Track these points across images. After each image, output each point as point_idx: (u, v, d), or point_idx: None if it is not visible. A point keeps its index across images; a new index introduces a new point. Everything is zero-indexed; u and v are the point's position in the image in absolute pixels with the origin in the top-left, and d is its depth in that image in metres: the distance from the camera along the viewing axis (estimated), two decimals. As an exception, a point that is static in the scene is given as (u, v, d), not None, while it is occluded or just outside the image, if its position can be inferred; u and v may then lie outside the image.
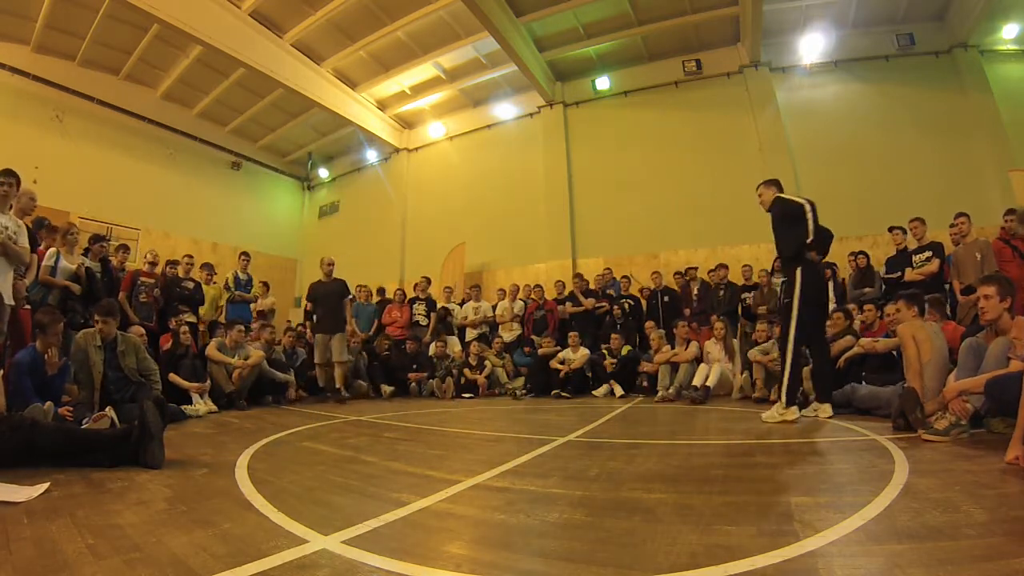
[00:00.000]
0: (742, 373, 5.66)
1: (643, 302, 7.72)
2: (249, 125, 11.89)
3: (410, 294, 8.33)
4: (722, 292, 6.86)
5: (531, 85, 9.99)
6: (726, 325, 5.96)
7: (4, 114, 8.29)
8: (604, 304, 7.55)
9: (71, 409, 3.19)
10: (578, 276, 8.11)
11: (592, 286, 7.94)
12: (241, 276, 7.20)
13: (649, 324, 6.82)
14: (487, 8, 7.86)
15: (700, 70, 9.44)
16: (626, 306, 7.37)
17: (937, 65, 8.42)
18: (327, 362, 6.15)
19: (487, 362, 7.14)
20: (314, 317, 6.61)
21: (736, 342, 6.17)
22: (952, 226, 5.34)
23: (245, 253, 7.67)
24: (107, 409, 3.10)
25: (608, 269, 8.38)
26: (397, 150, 12.44)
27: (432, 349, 7.24)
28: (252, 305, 7.29)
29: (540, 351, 6.97)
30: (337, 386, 6.10)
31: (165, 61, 9.78)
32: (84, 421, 2.98)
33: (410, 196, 12.26)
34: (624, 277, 8.04)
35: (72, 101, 9.15)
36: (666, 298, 7.30)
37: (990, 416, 2.76)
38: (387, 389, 6.63)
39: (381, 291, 8.99)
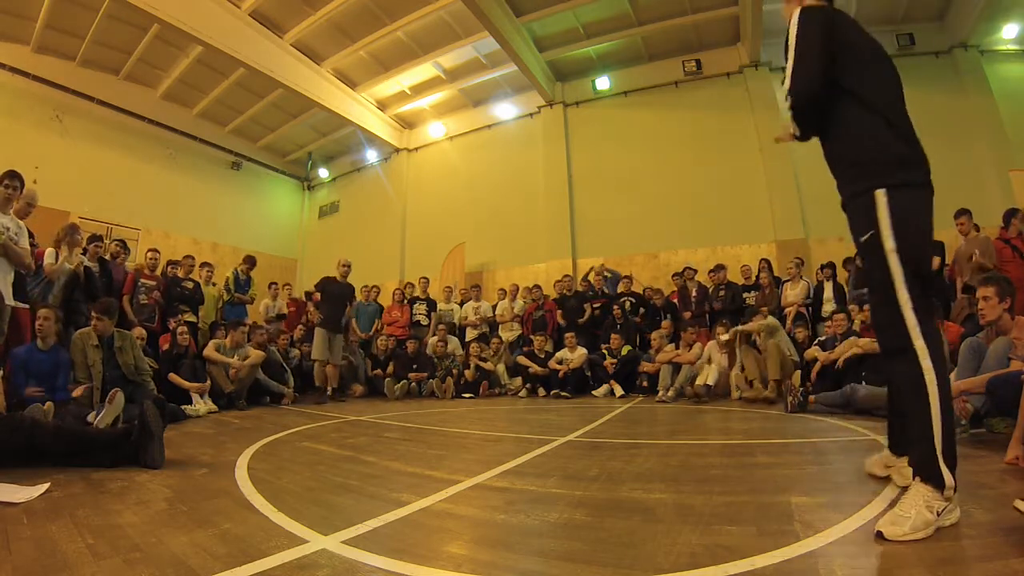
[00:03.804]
0: (741, 371, 5.67)
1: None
2: (249, 125, 11.90)
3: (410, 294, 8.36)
4: (723, 292, 6.86)
5: (531, 85, 10.00)
6: (727, 330, 5.94)
7: (4, 114, 8.30)
8: (601, 302, 7.56)
9: (81, 392, 3.26)
10: (568, 277, 8.09)
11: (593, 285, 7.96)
12: (241, 276, 7.18)
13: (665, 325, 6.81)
14: (487, 8, 7.87)
15: (700, 70, 9.44)
16: (627, 304, 7.37)
17: (937, 65, 8.42)
18: (327, 360, 6.16)
19: (487, 362, 7.16)
20: (317, 308, 6.63)
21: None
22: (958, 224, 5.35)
23: (251, 258, 7.49)
24: (115, 391, 3.12)
25: (592, 268, 8.30)
26: (397, 150, 12.44)
27: (432, 348, 7.25)
28: (249, 306, 7.28)
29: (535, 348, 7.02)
30: (334, 386, 6.17)
31: (165, 61, 9.78)
32: (92, 413, 2.99)
33: (410, 196, 12.26)
34: (626, 277, 8.01)
35: (72, 101, 9.16)
36: (668, 315, 7.17)
37: (990, 416, 2.76)
38: (358, 388, 6.79)
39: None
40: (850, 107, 1.62)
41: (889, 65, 1.68)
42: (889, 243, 1.48)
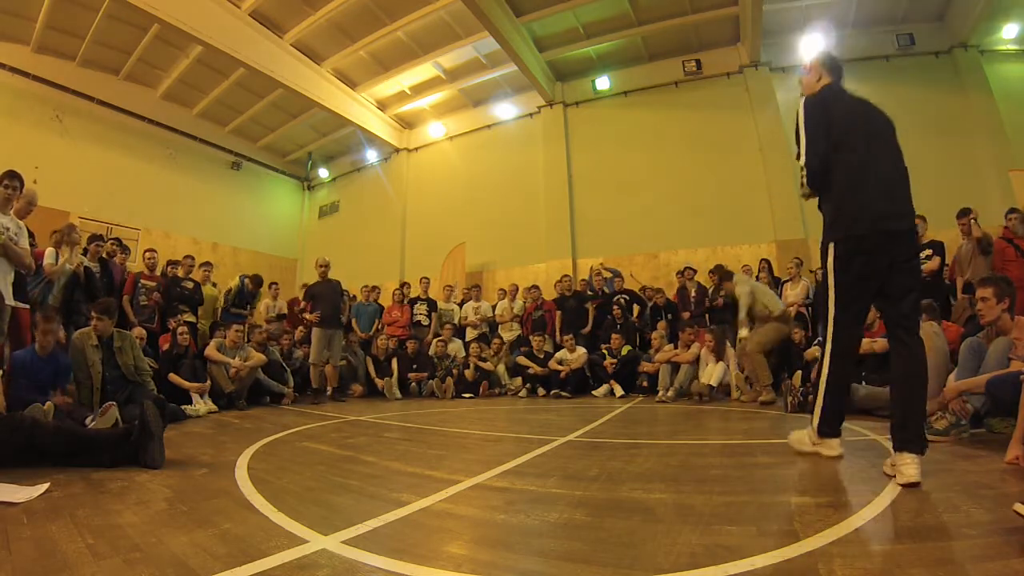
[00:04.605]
0: (742, 371, 5.67)
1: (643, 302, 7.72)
2: (249, 125, 11.90)
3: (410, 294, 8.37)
4: (723, 292, 6.84)
5: (531, 85, 10.00)
6: (715, 336, 5.93)
7: (4, 114, 8.30)
8: (598, 302, 7.56)
9: (66, 398, 3.18)
10: (567, 277, 8.04)
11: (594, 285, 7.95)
12: (247, 289, 6.98)
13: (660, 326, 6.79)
14: (487, 8, 7.87)
15: (700, 70, 9.44)
16: (622, 301, 7.36)
17: (937, 65, 8.42)
18: (325, 361, 6.17)
19: (487, 362, 7.15)
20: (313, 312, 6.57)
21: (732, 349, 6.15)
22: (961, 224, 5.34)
23: (259, 278, 7.25)
24: (109, 404, 3.11)
25: (591, 268, 8.36)
26: (397, 150, 12.45)
27: (432, 348, 7.25)
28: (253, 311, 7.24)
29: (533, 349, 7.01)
30: (335, 385, 6.19)
31: (165, 61, 9.78)
32: (89, 418, 2.98)
33: (410, 196, 12.26)
34: (618, 276, 8.00)
35: (72, 101, 9.16)
36: (670, 315, 7.18)
37: (990, 416, 2.76)
38: (358, 388, 6.74)
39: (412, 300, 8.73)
40: (831, 173, 2.17)
41: (862, 127, 2.20)
42: (830, 271, 2.17)
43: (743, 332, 5.32)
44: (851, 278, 2.10)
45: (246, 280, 7.03)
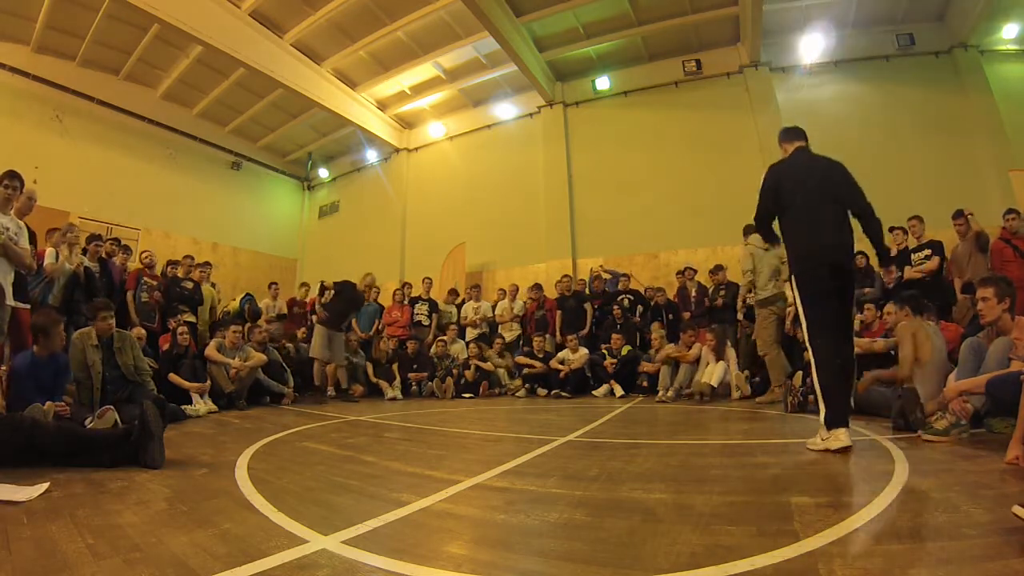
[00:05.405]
0: (744, 372, 5.67)
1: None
2: (249, 125, 11.90)
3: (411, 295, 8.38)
4: (723, 292, 6.85)
5: (531, 85, 9.99)
6: (717, 336, 5.92)
7: (4, 114, 8.30)
8: (599, 302, 7.57)
9: (63, 405, 3.15)
10: (567, 277, 8.04)
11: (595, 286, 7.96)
12: (246, 313, 6.94)
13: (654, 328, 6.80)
14: (487, 8, 7.86)
15: (700, 70, 9.43)
16: (625, 302, 7.36)
17: (937, 65, 8.42)
18: (327, 359, 6.17)
19: (487, 362, 7.15)
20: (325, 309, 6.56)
21: (732, 349, 6.15)
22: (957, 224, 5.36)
23: (259, 312, 7.15)
24: (106, 408, 3.10)
25: (591, 271, 8.42)
26: (397, 150, 12.44)
27: (433, 349, 7.25)
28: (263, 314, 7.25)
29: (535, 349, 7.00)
30: (344, 386, 6.18)
31: (165, 61, 9.78)
32: (87, 420, 2.98)
33: (410, 196, 12.26)
34: (623, 275, 8.01)
35: (72, 101, 9.16)
36: (670, 316, 7.17)
37: (990, 416, 2.76)
38: (359, 388, 6.66)
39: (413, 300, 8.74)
40: (783, 223, 2.93)
41: (805, 183, 2.81)
42: (796, 296, 2.81)
43: (739, 316, 5.72)
44: (811, 296, 2.75)
45: (247, 306, 7.02)
